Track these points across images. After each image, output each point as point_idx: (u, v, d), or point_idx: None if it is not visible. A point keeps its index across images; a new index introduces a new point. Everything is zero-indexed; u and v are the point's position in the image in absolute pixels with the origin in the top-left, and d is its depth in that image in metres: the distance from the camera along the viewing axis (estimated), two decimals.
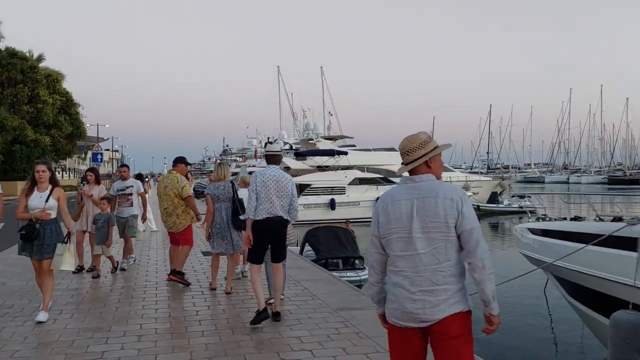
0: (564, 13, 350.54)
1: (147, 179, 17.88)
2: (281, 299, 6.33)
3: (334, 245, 11.40)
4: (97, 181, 8.65)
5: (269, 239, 5.66)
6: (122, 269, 8.55)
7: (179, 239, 7.52)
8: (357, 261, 11.56)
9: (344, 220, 17.71)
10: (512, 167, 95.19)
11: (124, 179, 9.00)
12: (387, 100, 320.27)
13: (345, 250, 11.48)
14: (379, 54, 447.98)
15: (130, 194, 8.86)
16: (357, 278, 10.93)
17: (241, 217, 6.71)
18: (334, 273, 9.51)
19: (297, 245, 11.63)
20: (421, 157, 2.74)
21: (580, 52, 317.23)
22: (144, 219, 9.51)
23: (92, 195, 8.26)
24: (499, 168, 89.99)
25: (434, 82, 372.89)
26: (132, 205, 8.83)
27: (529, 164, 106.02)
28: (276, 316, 5.67)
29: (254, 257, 5.71)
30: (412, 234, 2.62)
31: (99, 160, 34.81)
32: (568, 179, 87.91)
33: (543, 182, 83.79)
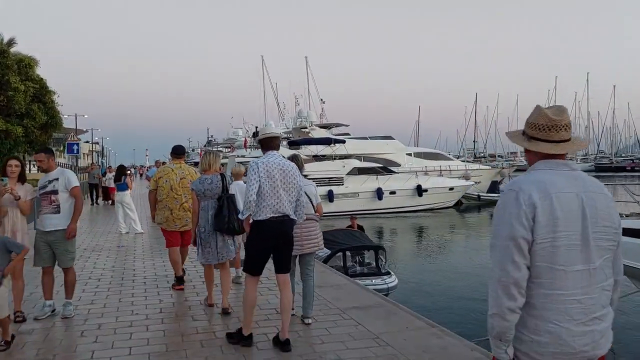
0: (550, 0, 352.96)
1: (129, 172, 15.59)
2: (309, 323, 5.14)
3: (348, 238, 10.98)
4: (23, 178, 5.59)
5: (273, 244, 4.42)
6: (65, 317, 5.49)
7: (189, 237, 6.45)
8: (380, 262, 10.62)
9: (349, 215, 16.00)
10: (497, 156, 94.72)
11: (45, 170, 5.63)
12: (372, 90, 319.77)
13: (361, 240, 11.10)
14: (363, 43, 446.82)
15: (55, 193, 5.43)
16: (385, 286, 9.86)
17: (240, 217, 4.92)
18: (358, 281, 8.12)
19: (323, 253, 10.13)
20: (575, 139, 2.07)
21: (566, 40, 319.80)
22: (70, 233, 5.45)
23: (19, 197, 5.37)
24: (485, 157, 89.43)
25: (420, 72, 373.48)
26: (58, 212, 5.41)
27: (514, 152, 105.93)
28: (285, 345, 4.35)
29: (254, 266, 4.43)
30: (589, 242, 1.92)
31: (76, 151, 31.18)
32: None
33: None
